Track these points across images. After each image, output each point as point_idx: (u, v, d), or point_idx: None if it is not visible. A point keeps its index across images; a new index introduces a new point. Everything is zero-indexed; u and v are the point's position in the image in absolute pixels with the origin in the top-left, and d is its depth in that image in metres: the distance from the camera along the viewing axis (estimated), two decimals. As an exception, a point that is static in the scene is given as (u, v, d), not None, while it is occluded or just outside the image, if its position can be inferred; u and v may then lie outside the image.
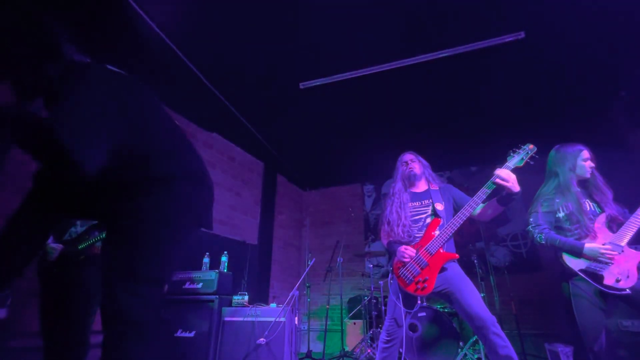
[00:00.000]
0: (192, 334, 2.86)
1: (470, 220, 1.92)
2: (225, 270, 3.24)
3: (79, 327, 1.89)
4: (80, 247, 2.02)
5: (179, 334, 2.88)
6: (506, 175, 1.72)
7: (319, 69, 3.39)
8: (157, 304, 0.95)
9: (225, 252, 3.38)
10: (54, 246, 1.99)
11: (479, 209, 1.89)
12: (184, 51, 3.13)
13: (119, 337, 0.88)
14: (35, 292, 1.96)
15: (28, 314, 2.36)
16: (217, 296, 2.95)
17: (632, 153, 3.68)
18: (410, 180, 2.12)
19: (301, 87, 3.58)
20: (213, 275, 3.04)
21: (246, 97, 3.80)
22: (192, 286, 3.05)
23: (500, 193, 1.79)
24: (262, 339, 2.71)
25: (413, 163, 2.16)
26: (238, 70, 3.39)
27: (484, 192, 1.79)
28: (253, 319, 2.83)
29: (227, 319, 2.91)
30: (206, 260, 3.28)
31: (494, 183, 1.75)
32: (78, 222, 2.10)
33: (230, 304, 3.02)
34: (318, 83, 3.52)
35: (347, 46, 3.11)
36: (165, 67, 3.29)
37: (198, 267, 3.24)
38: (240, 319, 2.87)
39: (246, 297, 3.04)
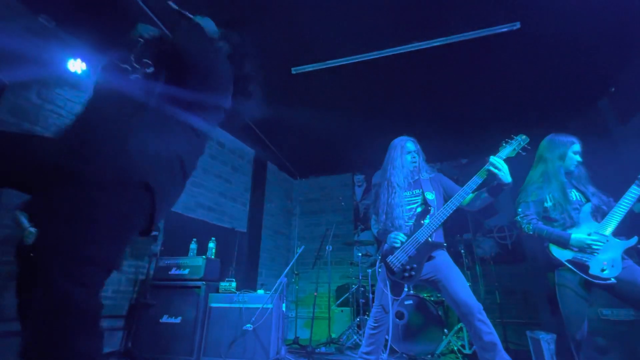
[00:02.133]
0: (178, 320, 2.83)
1: (459, 211, 1.91)
2: (213, 257, 3.20)
3: None
4: None
5: (165, 319, 2.84)
6: (499, 164, 1.72)
7: (312, 53, 3.32)
8: (99, 290, 0.87)
9: (213, 238, 3.33)
10: (32, 230, 1.91)
11: (468, 198, 1.89)
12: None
13: (62, 329, 0.79)
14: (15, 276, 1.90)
15: (9, 297, 2.29)
16: (204, 282, 2.92)
17: (618, 148, 3.74)
18: (413, 174, 2.07)
19: (293, 72, 3.50)
20: (200, 261, 3.00)
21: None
22: (178, 272, 3.01)
23: (490, 183, 1.78)
24: (249, 325, 2.71)
25: (417, 155, 2.11)
26: (228, 54, 3.29)
27: (475, 181, 1.78)
28: (240, 305, 2.82)
29: (214, 305, 2.89)
30: (193, 246, 3.23)
31: (487, 171, 1.75)
32: None
33: (217, 291, 3.00)
34: (310, 69, 3.45)
35: (340, 32, 3.04)
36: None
37: (185, 253, 3.20)
38: (228, 305, 2.86)
39: (234, 284, 3.01)
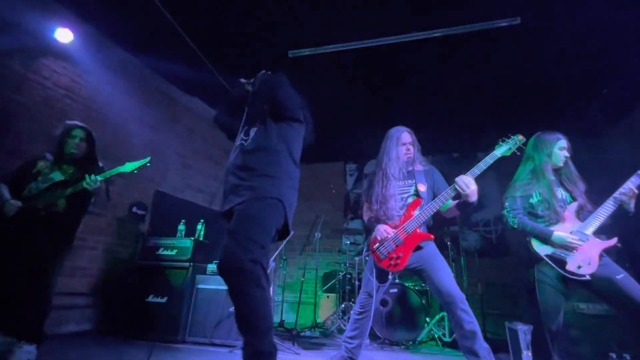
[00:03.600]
0: (164, 300, 2.83)
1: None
2: (202, 239, 3.19)
3: (38, 285, 1.81)
4: (40, 204, 1.90)
5: (151, 299, 2.84)
6: (465, 184, 1.72)
7: (310, 38, 3.25)
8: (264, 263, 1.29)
9: (202, 221, 3.31)
10: (13, 202, 1.87)
11: (446, 205, 1.90)
12: (170, 11, 2.94)
13: (243, 285, 1.21)
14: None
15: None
16: (192, 263, 2.92)
17: (606, 149, 3.82)
18: (408, 165, 2.07)
19: (290, 55, 3.43)
20: (188, 242, 2.99)
21: (231, 61, 3.61)
22: (165, 252, 2.99)
23: (459, 198, 1.79)
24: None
25: (413, 147, 2.10)
26: (224, 32, 3.20)
27: (447, 193, 1.80)
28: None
29: (200, 286, 2.90)
30: (182, 227, 3.21)
31: (454, 189, 1.76)
32: (40, 178, 1.97)
33: (205, 272, 3.00)
34: (307, 53, 3.39)
35: (339, 17, 2.98)
36: (151, 26, 3.09)
37: (173, 234, 3.17)
38: (215, 287, 2.86)
39: (221, 266, 3.01)
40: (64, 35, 2.94)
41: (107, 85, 3.34)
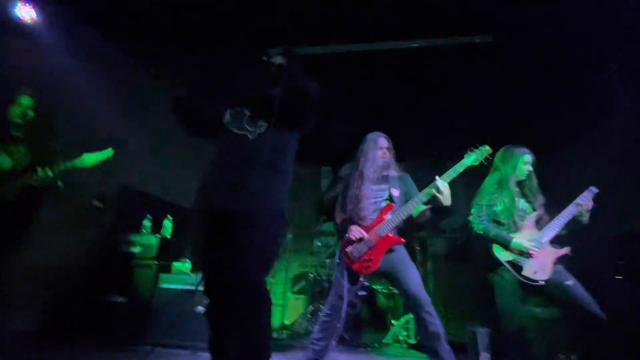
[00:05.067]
0: (124, 300, 2.69)
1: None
2: (169, 236, 3.07)
3: None
4: None
5: (110, 298, 2.69)
6: (442, 187, 1.80)
7: (288, 38, 3.24)
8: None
9: (170, 217, 3.19)
10: None
11: (418, 210, 1.96)
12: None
13: (259, 308, 1.17)
14: None
15: None
16: (156, 262, 2.80)
17: (564, 165, 4.10)
18: (383, 169, 2.12)
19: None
20: (154, 239, 2.87)
21: (214, 50, 3.53)
22: (129, 249, 2.85)
23: (434, 202, 1.87)
24: (200, 307, 2.64)
25: (389, 152, 2.16)
26: (210, 23, 3.14)
27: (421, 197, 1.87)
28: (194, 287, 2.74)
29: (164, 285, 2.78)
30: (147, 223, 3.06)
31: (430, 191, 1.84)
32: None
33: (169, 271, 2.89)
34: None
35: (317, 20, 3.02)
36: (124, 9, 2.97)
37: (137, 230, 3.02)
38: (180, 286, 2.76)
39: (187, 264, 2.92)
40: (26, 12, 2.73)
41: (73, 69, 3.14)
